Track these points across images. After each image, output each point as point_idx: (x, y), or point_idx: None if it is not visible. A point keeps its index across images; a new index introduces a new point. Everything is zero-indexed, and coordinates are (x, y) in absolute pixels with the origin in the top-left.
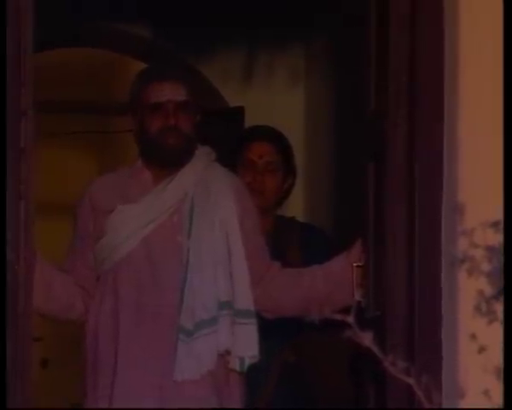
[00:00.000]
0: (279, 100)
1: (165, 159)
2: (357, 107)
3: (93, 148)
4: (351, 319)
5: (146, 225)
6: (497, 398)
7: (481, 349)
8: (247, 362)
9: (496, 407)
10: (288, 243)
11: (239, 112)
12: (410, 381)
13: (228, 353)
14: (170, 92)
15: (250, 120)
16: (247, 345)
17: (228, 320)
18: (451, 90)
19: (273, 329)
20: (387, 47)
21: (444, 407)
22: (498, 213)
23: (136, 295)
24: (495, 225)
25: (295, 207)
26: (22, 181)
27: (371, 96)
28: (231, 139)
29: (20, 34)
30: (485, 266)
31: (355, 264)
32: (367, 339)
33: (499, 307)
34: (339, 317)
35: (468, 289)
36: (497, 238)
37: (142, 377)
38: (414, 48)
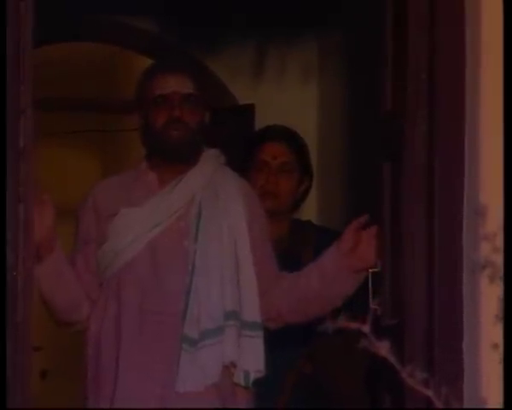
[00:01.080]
0: (291, 97)
1: (169, 154)
2: (373, 105)
3: (95, 147)
4: (366, 327)
5: (151, 230)
6: None
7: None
8: (253, 376)
9: (496, 407)
10: (303, 247)
11: (249, 110)
12: (429, 393)
13: (233, 365)
14: (175, 84)
15: (261, 119)
16: (252, 359)
17: (234, 331)
18: (473, 90)
19: (285, 339)
20: (405, 45)
21: None
22: None
23: (140, 301)
24: None
25: (308, 209)
26: (21, 183)
27: (388, 96)
28: (241, 139)
29: (20, 31)
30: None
31: (370, 269)
32: (383, 349)
33: None
34: (354, 326)
35: (490, 296)
36: None
37: (144, 388)
38: (433, 46)
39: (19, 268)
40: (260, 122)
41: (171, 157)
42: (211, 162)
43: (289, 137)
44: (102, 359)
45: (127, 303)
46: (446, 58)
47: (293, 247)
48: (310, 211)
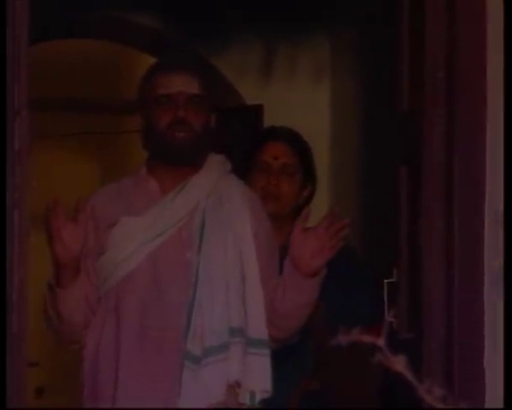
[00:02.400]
0: (302, 97)
1: (172, 156)
2: (389, 104)
3: (93, 151)
4: (381, 341)
5: (152, 240)
6: None
7: None
8: (259, 397)
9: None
10: None
11: (257, 111)
12: None
13: (238, 384)
14: (181, 84)
15: (270, 120)
16: (258, 378)
17: (239, 348)
18: (495, 88)
19: (290, 353)
20: (422, 41)
21: None
22: None
23: (140, 316)
24: None
25: (319, 216)
26: (16, 188)
27: (404, 95)
28: (248, 142)
29: (15, 31)
30: None
31: (386, 280)
32: (399, 364)
33: None
34: (368, 339)
35: None
36: None
37: (144, 407)
38: (452, 43)
39: (14, 280)
40: (269, 124)
41: (175, 160)
42: (216, 169)
43: (291, 138)
44: (100, 376)
45: (126, 318)
46: (466, 55)
47: None
48: (320, 216)
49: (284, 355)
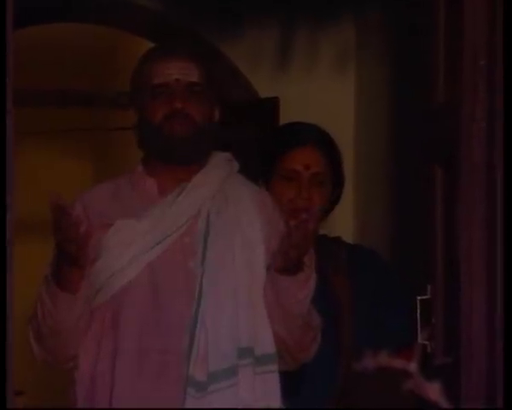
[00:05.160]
0: (323, 89)
1: (169, 153)
2: (422, 98)
3: (84, 149)
4: (413, 366)
5: (151, 249)
6: None
7: None
8: None
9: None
10: (332, 270)
11: (272, 104)
12: None
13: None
14: (178, 71)
15: (286, 115)
16: (267, 399)
17: (249, 371)
18: None
19: (312, 377)
20: (461, 26)
21: None
22: None
23: (138, 337)
24: None
25: (343, 224)
26: (8, 191)
27: (440, 86)
28: (262, 140)
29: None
30: None
31: (419, 297)
32: (434, 392)
33: None
34: (397, 364)
35: None
36: None
37: None
38: (494, 26)
39: None
40: (286, 120)
41: (172, 158)
42: (221, 167)
43: (324, 141)
44: (94, 405)
45: (124, 340)
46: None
47: (320, 268)
48: (344, 227)
49: (311, 375)
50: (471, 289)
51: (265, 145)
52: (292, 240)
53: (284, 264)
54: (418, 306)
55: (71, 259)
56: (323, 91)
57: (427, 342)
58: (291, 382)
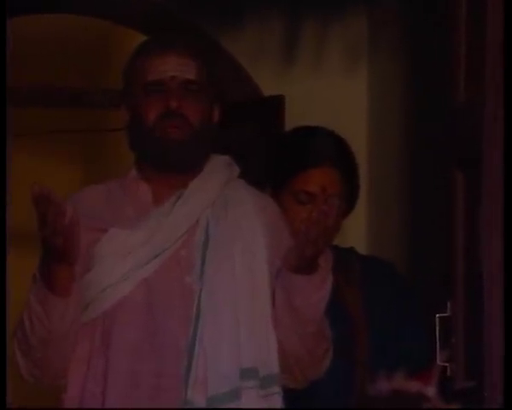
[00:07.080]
0: (333, 87)
1: (163, 158)
2: (441, 96)
3: (78, 151)
4: (431, 390)
5: (147, 263)
6: None
7: None
8: None
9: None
10: (344, 282)
11: (277, 103)
12: None
13: None
14: (174, 67)
15: (292, 115)
16: None
17: (253, 394)
18: None
19: (321, 397)
20: (483, 18)
21: None
22: None
23: (131, 359)
24: None
25: (356, 233)
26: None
27: (460, 83)
28: (266, 143)
29: None
30: None
31: (438, 315)
32: None
33: None
34: (414, 387)
35: None
36: None
37: None
38: None
39: None
40: (292, 120)
41: (166, 164)
42: (220, 172)
43: (341, 157)
44: None
45: (115, 362)
46: None
47: (333, 279)
48: (357, 237)
49: (323, 395)
50: (492, 305)
51: (275, 160)
52: (309, 235)
53: (298, 262)
54: (437, 324)
55: (58, 254)
56: (332, 89)
57: (446, 364)
58: (301, 402)
